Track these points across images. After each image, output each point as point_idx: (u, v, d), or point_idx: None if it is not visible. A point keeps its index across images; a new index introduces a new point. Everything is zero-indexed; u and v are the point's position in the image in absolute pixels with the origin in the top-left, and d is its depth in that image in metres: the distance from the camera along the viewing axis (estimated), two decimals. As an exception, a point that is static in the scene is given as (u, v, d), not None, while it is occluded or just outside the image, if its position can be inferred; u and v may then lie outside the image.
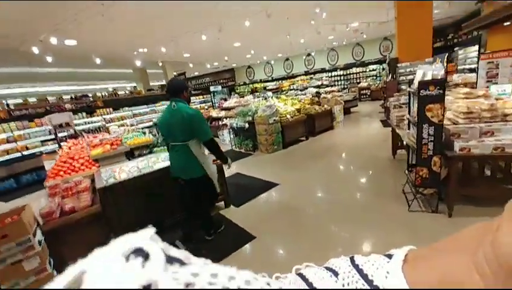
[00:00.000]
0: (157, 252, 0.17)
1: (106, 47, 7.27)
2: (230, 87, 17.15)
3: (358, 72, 14.67)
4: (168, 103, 2.51)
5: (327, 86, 10.67)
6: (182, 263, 0.17)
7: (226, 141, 7.25)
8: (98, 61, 7.38)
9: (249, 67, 18.35)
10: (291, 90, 13.06)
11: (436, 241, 0.25)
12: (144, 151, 3.79)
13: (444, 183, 2.56)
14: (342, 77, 15.25)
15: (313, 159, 5.12)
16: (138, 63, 8.62)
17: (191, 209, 2.73)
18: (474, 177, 2.60)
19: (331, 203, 3.26)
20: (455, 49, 10.82)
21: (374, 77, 13.91)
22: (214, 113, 9.09)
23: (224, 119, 7.61)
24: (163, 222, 3.06)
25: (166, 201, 3.02)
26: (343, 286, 0.27)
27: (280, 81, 16.89)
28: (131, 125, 9.33)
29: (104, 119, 8.74)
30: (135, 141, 3.87)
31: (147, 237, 0.18)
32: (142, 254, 0.16)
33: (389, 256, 0.27)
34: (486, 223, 0.22)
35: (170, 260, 0.17)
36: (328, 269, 0.30)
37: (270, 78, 17.58)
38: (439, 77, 2.32)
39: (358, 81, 14.18)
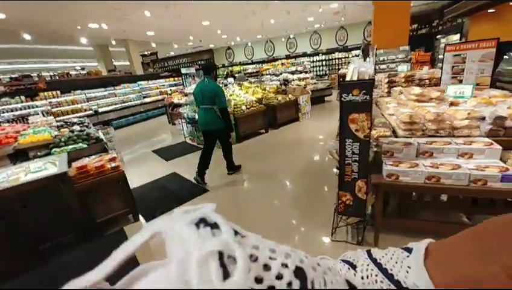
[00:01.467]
0: (225, 222, 0.17)
1: (40, 22, 6.22)
2: (209, 69, 16.07)
3: (341, 58, 13.93)
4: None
5: (301, 72, 9.95)
6: (241, 235, 0.18)
7: (181, 131, 6.57)
8: (28, 37, 6.34)
9: (229, 48, 17.21)
10: (267, 74, 12.23)
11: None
12: (39, 153, 3.11)
13: (372, 213, 2.06)
14: (324, 62, 14.50)
15: (261, 157, 4.56)
16: (84, 41, 7.57)
17: (208, 155, 3.73)
18: (409, 207, 2.11)
19: (254, 221, 2.74)
20: (437, 37, 10.20)
21: (356, 64, 13.25)
22: (176, 99, 8.30)
23: (185, 107, 6.87)
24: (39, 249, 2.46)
25: (43, 222, 2.41)
26: (362, 279, 0.27)
27: (261, 65, 15.96)
28: (85, 110, 8.46)
29: (51, 103, 7.80)
30: (31, 139, 3.16)
31: (209, 208, 0.19)
32: (209, 224, 0.17)
33: (407, 249, 0.27)
34: (510, 217, 0.22)
35: (234, 231, 0.17)
36: (345, 261, 0.30)
37: (250, 61, 16.59)
38: (367, 77, 1.72)
39: (339, 67, 13.47)
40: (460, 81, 3.30)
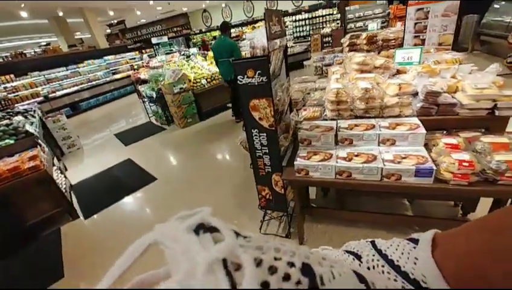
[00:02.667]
0: (225, 227, 0.17)
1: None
2: (186, 36, 14.92)
3: (325, 15, 12.84)
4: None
5: (277, 35, 9.13)
6: (243, 236, 0.17)
7: (146, 111, 6.16)
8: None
9: (205, 11, 15.78)
10: (245, 40, 11.31)
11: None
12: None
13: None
14: (307, 21, 13.40)
15: (217, 138, 4.27)
16: (24, 14, 6.71)
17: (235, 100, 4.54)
18: (348, 195, 1.91)
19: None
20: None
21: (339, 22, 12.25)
22: (143, 74, 7.71)
23: (144, 85, 6.36)
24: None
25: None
26: (368, 269, 0.26)
27: (240, 28, 14.78)
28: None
29: (6, 89, 7.21)
30: None
31: (207, 213, 0.18)
32: (207, 229, 0.16)
33: (414, 240, 0.27)
34: None
35: (235, 233, 0.17)
36: (349, 252, 0.30)
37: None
38: (260, 52, 1.38)
39: (323, 26, 12.49)
40: (423, 41, 2.90)
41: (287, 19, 13.56)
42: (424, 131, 1.39)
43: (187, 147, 4.24)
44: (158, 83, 5.11)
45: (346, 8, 6.16)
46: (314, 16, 13.04)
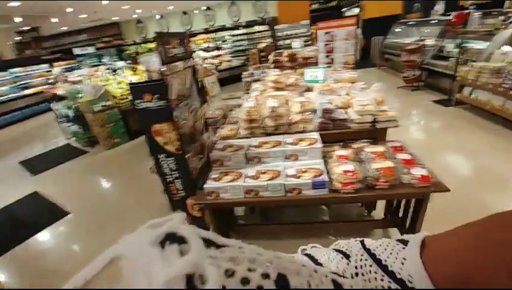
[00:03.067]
0: (194, 237, 0.16)
1: None
2: (117, 47, 13.82)
3: (261, 31, 13.54)
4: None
5: (214, 48, 9.28)
6: (216, 245, 0.17)
7: (64, 131, 5.37)
8: None
9: (140, 22, 14.97)
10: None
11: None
12: None
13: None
14: (246, 36, 13.92)
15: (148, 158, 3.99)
16: None
17: None
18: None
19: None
20: (342, 9, 10.66)
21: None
22: (60, 90, 6.77)
23: (58, 103, 5.57)
24: None
25: None
26: (356, 269, 0.27)
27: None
28: None
29: None
30: None
31: (177, 221, 0.17)
32: (176, 239, 0.16)
33: (403, 241, 0.27)
34: (503, 214, 0.22)
35: (206, 243, 0.16)
36: (338, 251, 0.30)
37: (166, 37, 14.82)
38: (157, 75, 1.34)
39: (260, 41, 13.13)
40: (333, 60, 3.28)
41: (225, 34, 13.86)
42: (320, 145, 1.53)
43: (111, 170, 3.83)
44: (76, 100, 4.54)
45: (276, 27, 6.61)
46: (251, 31, 13.64)
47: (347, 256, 0.29)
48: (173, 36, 1.40)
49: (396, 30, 7.09)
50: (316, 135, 1.64)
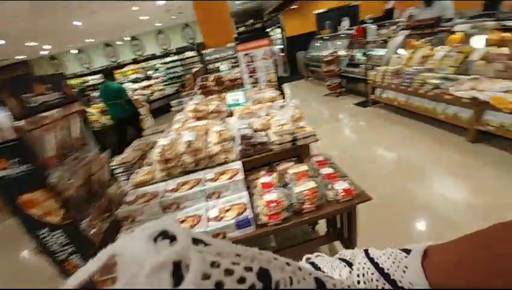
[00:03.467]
0: (183, 233, 0.18)
1: None
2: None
3: (193, 56, 13.51)
4: None
5: (143, 79, 8.84)
6: (205, 243, 0.18)
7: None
8: None
9: (54, 58, 13.44)
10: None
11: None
12: None
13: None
14: (179, 62, 13.69)
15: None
16: None
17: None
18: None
19: None
20: (267, 30, 11.40)
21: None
22: None
23: None
24: None
25: None
26: (358, 277, 0.28)
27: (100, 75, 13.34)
28: None
29: None
30: None
31: (171, 220, 0.19)
32: (168, 236, 0.17)
33: (406, 251, 0.28)
34: (506, 224, 0.22)
35: (194, 241, 0.18)
36: (342, 259, 0.31)
37: (89, 71, 13.61)
38: (7, 136, 1.04)
39: (193, 66, 13.07)
40: (257, 79, 3.33)
41: (156, 62, 13.43)
42: (241, 177, 1.40)
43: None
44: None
45: (204, 51, 6.60)
46: (183, 57, 13.51)
47: (350, 264, 0.30)
48: (39, 81, 1.14)
49: (315, 44, 7.83)
50: (238, 165, 1.52)
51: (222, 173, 1.47)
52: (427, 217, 2.10)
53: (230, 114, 2.20)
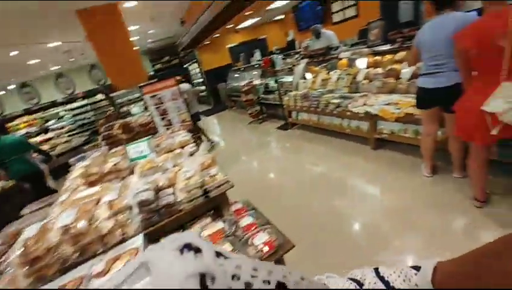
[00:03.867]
0: (207, 247, 0.19)
1: None
2: None
3: (105, 99, 12.24)
4: None
5: (39, 132, 7.43)
6: (224, 257, 0.19)
7: None
8: None
9: None
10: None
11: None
12: None
13: None
14: (90, 107, 12.15)
15: None
16: None
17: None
18: None
19: None
20: (185, 65, 11.42)
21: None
22: None
23: None
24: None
25: None
26: None
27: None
28: None
29: None
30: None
31: (195, 234, 0.20)
32: (192, 248, 0.18)
33: (416, 268, 0.29)
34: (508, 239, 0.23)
35: (216, 254, 0.19)
36: (352, 279, 0.31)
37: (-40, 132, 10.65)
38: None
39: (107, 110, 11.80)
40: (170, 121, 3.08)
41: (59, 109, 11.58)
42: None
43: None
44: None
45: (114, 94, 5.98)
46: (94, 101, 12.09)
47: (360, 284, 0.30)
48: None
49: (234, 75, 8.15)
50: (139, 241, 1.21)
51: (116, 259, 1.13)
52: (356, 229, 2.17)
53: (133, 171, 1.87)
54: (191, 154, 1.83)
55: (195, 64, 10.33)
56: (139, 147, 1.99)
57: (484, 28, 1.48)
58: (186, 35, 8.25)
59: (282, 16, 9.25)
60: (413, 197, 2.30)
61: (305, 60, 4.59)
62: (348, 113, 3.32)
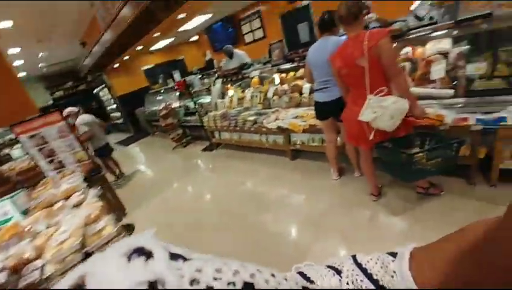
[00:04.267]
0: (160, 250, 0.17)
1: None
2: None
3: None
4: None
5: None
6: (184, 258, 0.18)
7: None
8: None
9: None
10: None
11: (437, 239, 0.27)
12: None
13: None
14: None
15: None
16: None
17: None
18: None
19: None
20: (95, 90, 10.14)
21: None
22: None
23: None
24: None
25: None
26: (348, 284, 0.28)
27: None
28: None
29: None
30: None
31: (147, 236, 0.18)
32: (144, 253, 0.16)
33: (393, 254, 0.28)
34: (486, 222, 0.23)
35: (173, 256, 0.17)
36: (330, 267, 0.31)
37: None
38: None
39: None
40: (61, 162, 2.55)
41: None
42: None
43: None
44: None
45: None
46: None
47: (339, 272, 0.29)
48: None
49: (153, 99, 7.62)
50: None
51: None
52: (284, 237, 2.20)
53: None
54: (77, 205, 1.50)
55: (105, 90, 9.27)
56: (1, 208, 1.53)
57: (347, 50, 1.73)
58: (89, 58, 7.35)
59: (197, 37, 9.31)
60: (326, 200, 2.51)
61: (220, 80, 4.64)
62: (264, 129, 3.46)
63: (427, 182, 2.08)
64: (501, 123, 1.81)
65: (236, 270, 0.18)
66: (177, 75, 8.17)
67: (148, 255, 0.16)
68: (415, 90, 2.43)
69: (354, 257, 0.31)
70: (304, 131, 2.93)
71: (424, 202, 2.10)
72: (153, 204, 3.50)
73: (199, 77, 6.12)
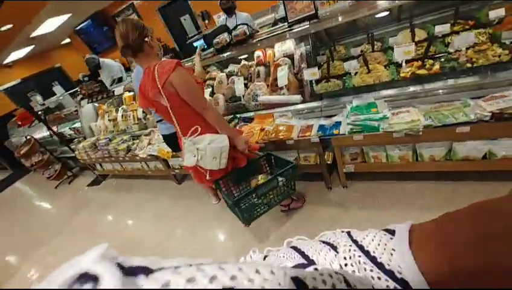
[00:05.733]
0: (109, 272, 0.14)
1: None
2: None
3: None
4: None
5: None
6: (148, 271, 0.15)
7: None
8: None
9: None
10: None
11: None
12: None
13: None
14: None
15: None
16: None
17: None
18: None
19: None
20: None
21: None
22: None
23: None
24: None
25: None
26: (345, 259, 0.26)
27: None
28: None
29: None
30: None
31: (95, 256, 0.15)
32: (90, 278, 0.14)
33: (390, 231, 0.27)
34: (487, 200, 0.22)
35: (131, 272, 0.15)
36: (325, 242, 0.30)
37: None
38: None
39: None
40: None
41: None
42: None
43: None
44: None
45: None
46: None
47: (334, 248, 0.28)
48: None
49: (13, 132, 6.02)
50: None
51: None
52: None
53: None
54: None
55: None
56: None
57: (145, 86, 1.39)
58: None
59: (69, 40, 7.66)
60: (210, 220, 2.44)
61: (85, 101, 3.82)
62: (138, 157, 2.97)
63: (289, 198, 2.02)
64: (335, 131, 1.80)
65: (213, 276, 0.16)
66: (58, 88, 6.66)
67: (95, 280, 0.14)
68: (268, 98, 2.30)
69: (348, 232, 0.30)
70: (173, 156, 2.58)
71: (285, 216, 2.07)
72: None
73: (64, 93, 5.07)
